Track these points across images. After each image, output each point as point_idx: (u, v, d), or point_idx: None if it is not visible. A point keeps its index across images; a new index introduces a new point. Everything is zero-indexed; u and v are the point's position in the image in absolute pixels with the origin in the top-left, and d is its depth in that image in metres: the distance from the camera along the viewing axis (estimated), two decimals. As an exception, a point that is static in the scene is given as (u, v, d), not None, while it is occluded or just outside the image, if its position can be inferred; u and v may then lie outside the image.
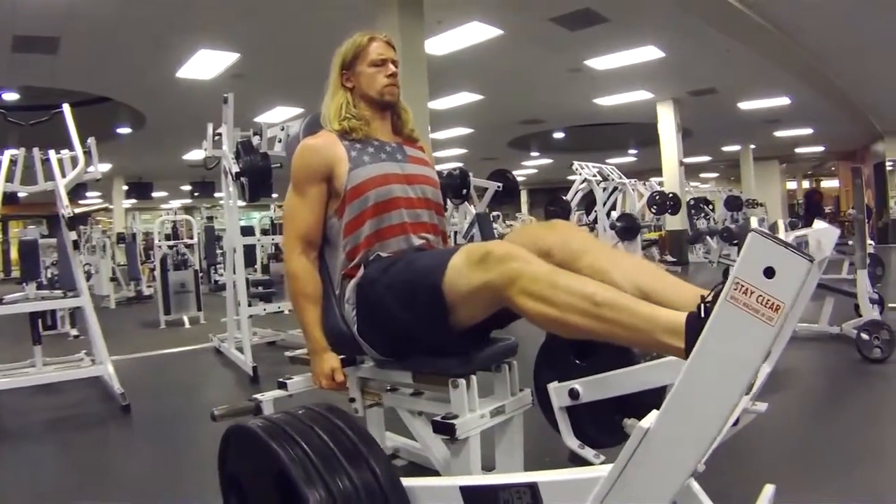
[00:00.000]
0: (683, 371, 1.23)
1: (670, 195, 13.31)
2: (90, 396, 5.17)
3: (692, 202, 15.59)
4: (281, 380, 2.79)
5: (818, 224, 1.73)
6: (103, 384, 5.21)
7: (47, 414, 4.80)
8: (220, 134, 6.23)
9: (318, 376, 2.33)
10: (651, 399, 2.55)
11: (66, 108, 5.39)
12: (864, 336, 5.01)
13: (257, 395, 2.75)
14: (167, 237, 10.91)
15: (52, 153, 5.36)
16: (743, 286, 1.12)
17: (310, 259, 2.36)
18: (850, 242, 5.97)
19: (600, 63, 11.99)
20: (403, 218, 2.35)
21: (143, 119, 13.39)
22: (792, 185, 33.70)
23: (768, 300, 1.10)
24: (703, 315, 1.42)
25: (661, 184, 15.13)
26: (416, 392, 2.36)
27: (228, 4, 7.96)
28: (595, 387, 2.45)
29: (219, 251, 13.17)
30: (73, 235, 4.88)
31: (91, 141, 5.45)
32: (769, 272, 1.11)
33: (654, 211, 13.03)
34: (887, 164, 22.65)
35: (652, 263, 2.13)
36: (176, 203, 26.24)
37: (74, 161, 5.32)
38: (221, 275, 11.53)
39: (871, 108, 17.51)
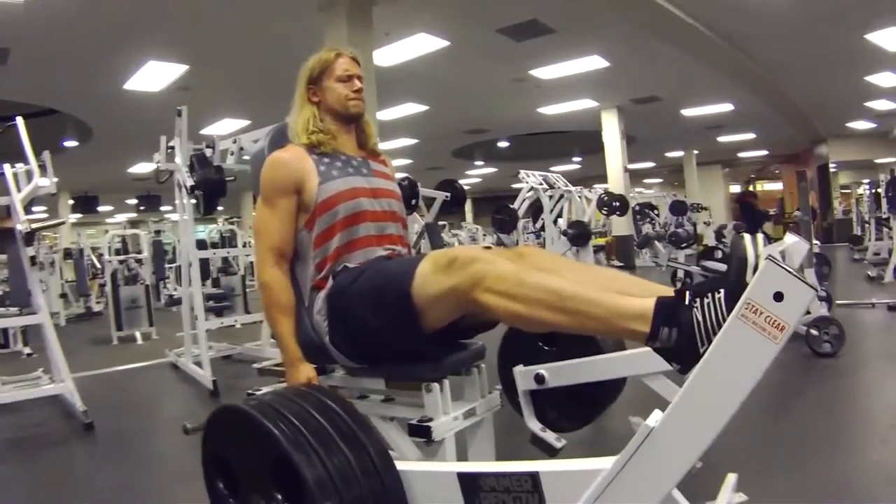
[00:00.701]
0: (692, 376, 1.33)
1: (617, 196, 13.54)
2: (51, 415, 5.14)
3: (637, 207, 15.85)
4: (250, 391, 2.81)
5: (789, 238, 1.83)
6: (63, 402, 5.18)
7: (8, 433, 4.74)
8: (172, 147, 6.21)
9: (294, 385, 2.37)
10: (611, 389, 2.72)
11: (19, 121, 5.31)
12: (814, 332, 5.27)
13: (227, 407, 2.78)
14: (117, 252, 10.76)
15: (6, 167, 5.31)
16: (754, 307, 1.23)
17: (282, 270, 2.39)
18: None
19: (545, 73, 12.15)
20: (370, 231, 2.40)
21: (91, 132, 13.23)
22: (735, 188, 34.38)
23: (775, 321, 1.22)
24: (686, 302, 1.55)
25: (606, 190, 15.35)
26: (387, 398, 2.40)
27: (178, 16, 7.92)
28: (561, 373, 2.57)
29: (167, 265, 13.10)
30: (30, 251, 4.86)
31: (46, 155, 5.38)
32: (778, 296, 1.22)
33: (604, 212, 13.22)
34: (831, 166, 23.29)
35: (620, 271, 2.22)
36: (122, 217, 25.95)
37: (29, 175, 5.23)
38: (175, 290, 11.44)
39: (814, 112, 17.96)
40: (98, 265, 14.96)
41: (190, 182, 5.74)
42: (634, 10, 8.89)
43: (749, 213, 13.99)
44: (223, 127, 12.64)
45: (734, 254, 1.54)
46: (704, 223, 17.14)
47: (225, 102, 11.75)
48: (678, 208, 15.92)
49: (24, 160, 5.28)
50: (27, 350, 8.46)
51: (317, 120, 2.53)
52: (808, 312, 5.62)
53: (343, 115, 2.57)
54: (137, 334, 9.34)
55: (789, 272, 1.24)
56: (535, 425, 2.70)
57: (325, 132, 2.51)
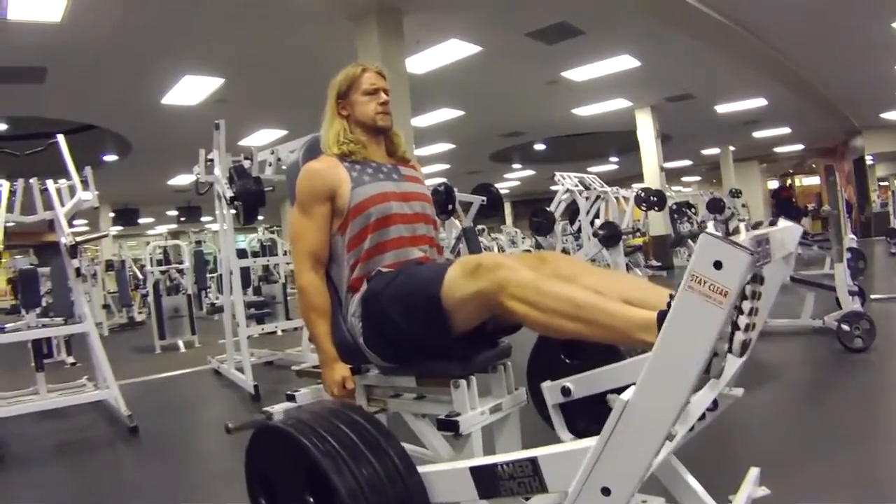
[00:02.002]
0: (654, 349, 1.44)
1: (655, 191, 13.53)
2: (95, 420, 5.30)
3: (675, 206, 15.77)
4: (289, 392, 2.93)
5: (781, 222, 1.89)
6: (107, 408, 5.34)
7: (56, 438, 4.90)
8: (211, 159, 6.35)
9: (329, 385, 2.46)
10: None
11: (60, 138, 5.48)
12: (845, 327, 5.25)
13: (268, 408, 2.88)
14: (158, 262, 10.98)
15: (50, 183, 5.46)
16: (698, 277, 1.33)
17: (319, 275, 2.51)
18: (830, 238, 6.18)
19: (577, 74, 12.19)
20: (402, 232, 2.52)
21: (129, 146, 13.49)
22: (773, 184, 34.07)
23: (718, 287, 1.32)
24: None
25: (642, 187, 15.31)
26: (419, 396, 2.50)
27: (212, 30, 8.11)
28: (585, 383, 2.58)
29: (208, 275, 13.28)
30: (75, 263, 4.99)
31: (87, 170, 5.55)
32: (717, 265, 1.32)
33: (643, 208, 13.21)
34: (867, 158, 23.03)
35: (633, 276, 2.30)
36: (162, 228, 26.31)
37: (71, 190, 5.42)
38: (217, 298, 11.61)
39: (847, 104, 17.80)
40: (139, 276, 15.27)
41: (230, 193, 5.87)
42: (661, 7, 8.94)
43: (785, 209, 13.96)
44: (260, 138, 12.87)
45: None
46: (740, 220, 16.99)
47: (261, 114, 11.95)
48: (715, 206, 15.83)
49: (67, 175, 5.45)
50: (70, 360, 8.64)
51: (347, 132, 2.66)
52: (841, 308, 5.63)
53: (371, 127, 2.69)
54: (180, 343, 9.54)
55: (724, 241, 1.34)
56: (566, 436, 2.77)
57: (355, 142, 2.63)
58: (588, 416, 2.72)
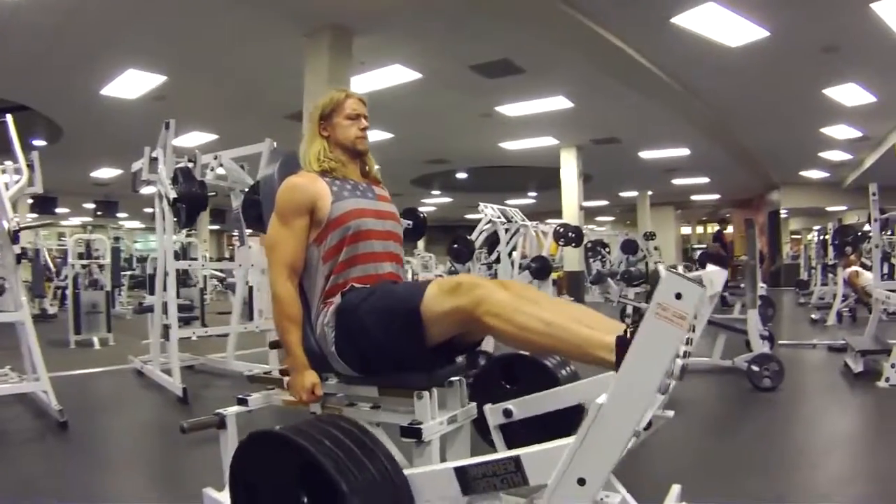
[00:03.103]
0: (626, 361, 1.72)
1: (573, 227, 13.84)
2: (20, 413, 5.23)
3: (589, 244, 16.14)
4: (241, 396, 3.01)
5: (710, 267, 2.19)
6: (33, 400, 5.30)
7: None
8: (155, 158, 6.34)
9: (298, 390, 2.57)
10: (570, 417, 3.04)
11: (9, 118, 5.40)
12: (755, 368, 5.73)
13: (220, 410, 2.96)
14: (79, 256, 10.75)
15: None
16: (663, 305, 1.64)
17: (294, 284, 2.63)
18: (742, 285, 6.57)
19: (511, 110, 12.47)
20: (374, 248, 2.69)
21: (61, 132, 13.10)
22: (686, 230, 35.22)
23: (679, 313, 1.62)
24: (629, 337, 1.85)
25: (561, 223, 15.64)
26: (374, 405, 2.65)
27: (165, 28, 8.05)
28: (525, 406, 2.94)
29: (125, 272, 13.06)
30: (16, 249, 4.93)
31: (34, 154, 5.46)
32: (678, 296, 1.63)
33: (560, 243, 13.51)
34: (782, 212, 24.09)
35: (584, 307, 2.53)
36: (77, 220, 25.66)
37: (17, 172, 5.34)
38: (142, 298, 11.42)
39: (770, 160, 18.61)
40: (52, 267, 14.89)
41: (173, 194, 5.88)
42: (602, 55, 9.22)
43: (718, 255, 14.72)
44: (191, 139, 12.66)
45: (652, 283, 1.92)
46: (655, 262, 17.51)
47: (197, 116, 11.71)
48: (629, 247, 16.29)
49: (12, 157, 5.37)
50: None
51: (327, 151, 2.83)
52: (750, 350, 6.03)
53: (350, 150, 2.87)
54: (95, 339, 9.44)
55: (684, 278, 1.66)
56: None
57: (335, 161, 2.81)
58: (528, 438, 2.94)
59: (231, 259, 19.83)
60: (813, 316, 11.42)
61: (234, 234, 30.83)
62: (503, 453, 1.96)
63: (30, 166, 5.40)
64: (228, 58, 9.14)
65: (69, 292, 9.95)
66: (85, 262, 10.44)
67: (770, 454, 4.09)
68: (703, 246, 31.19)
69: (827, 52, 9.29)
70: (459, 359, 2.73)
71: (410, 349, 2.37)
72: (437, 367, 2.55)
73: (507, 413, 2.97)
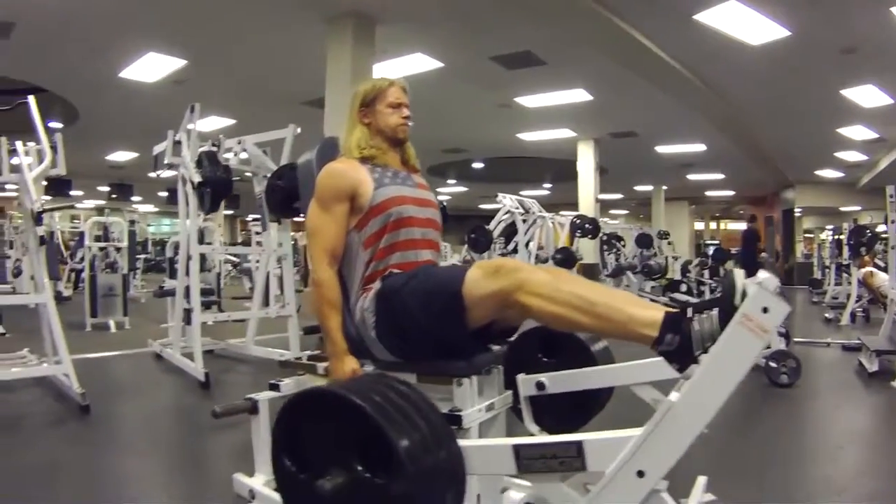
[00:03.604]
0: (705, 362, 1.75)
1: (589, 219, 13.82)
2: (41, 396, 5.21)
3: (605, 237, 16.09)
4: (273, 381, 3.01)
5: (762, 274, 2.14)
6: (52, 383, 5.27)
7: (1, 411, 4.80)
8: (178, 141, 6.32)
9: (338, 376, 2.53)
10: (599, 398, 3.04)
11: (31, 99, 5.32)
12: (773, 364, 5.71)
13: (252, 395, 2.96)
14: (97, 238, 10.77)
15: (19, 144, 5.28)
16: (748, 316, 1.68)
17: (334, 270, 2.62)
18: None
19: (530, 101, 12.49)
20: (414, 235, 2.67)
21: (77, 115, 13.12)
22: (699, 225, 35.15)
23: (762, 326, 1.67)
24: (689, 315, 1.93)
25: (577, 214, 15.60)
26: None
27: (187, 11, 8.05)
28: (560, 381, 2.91)
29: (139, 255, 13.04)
30: (39, 230, 4.87)
31: (58, 136, 5.36)
32: (765, 310, 1.67)
33: (577, 234, 13.49)
34: (796, 211, 23.98)
35: (623, 291, 2.52)
36: (90, 203, 25.74)
37: (40, 154, 5.26)
38: (158, 281, 11.42)
39: (785, 159, 18.62)
40: (63, 251, 14.91)
41: (197, 178, 5.86)
42: (623, 50, 9.24)
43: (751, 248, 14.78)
44: (208, 124, 12.50)
45: (727, 283, 1.92)
46: (672, 257, 17.49)
47: (215, 101, 11.61)
48: (644, 241, 16.24)
49: (35, 138, 5.30)
50: (0, 329, 8.44)
51: (368, 138, 2.79)
52: (769, 347, 5.99)
53: (391, 138, 2.83)
54: (111, 322, 9.41)
55: (774, 295, 1.71)
56: (534, 428, 2.99)
57: (376, 148, 2.78)
58: (555, 413, 2.93)
59: (244, 244, 19.87)
60: (827, 315, 11.38)
61: (248, 219, 31.06)
62: (565, 436, 1.93)
63: (53, 148, 5.28)
64: (249, 43, 9.16)
65: (86, 275, 9.95)
66: (102, 244, 10.46)
67: (790, 448, 4.16)
68: (717, 242, 31.26)
69: (846, 53, 9.31)
70: (496, 347, 2.71)
71: (451, 332, 2.36)
72: (476, 354, 2.54)
73: (540, 385, 2.92)
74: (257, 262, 12.97)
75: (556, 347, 3.10)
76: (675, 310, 2.02)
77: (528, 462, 1.94)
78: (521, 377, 2.90)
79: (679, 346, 1.92)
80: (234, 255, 16.40)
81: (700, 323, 1.91)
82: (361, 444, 1.85)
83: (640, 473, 1.76)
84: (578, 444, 1.86)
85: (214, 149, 6.32)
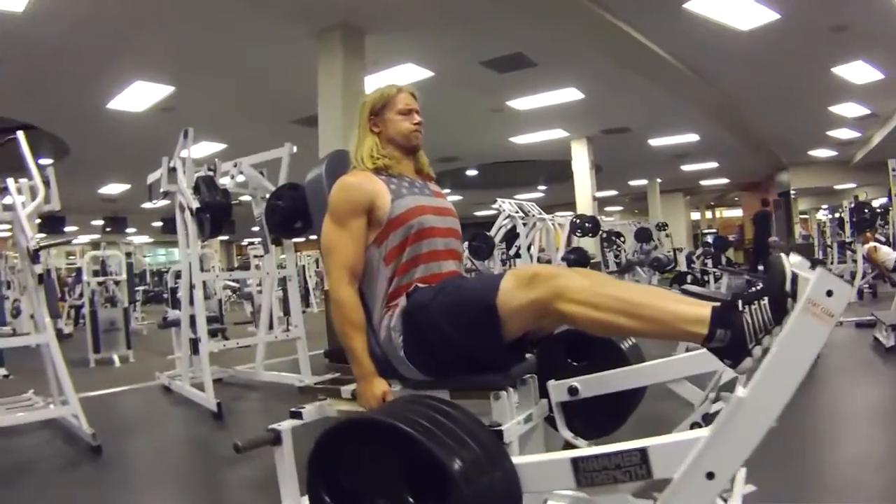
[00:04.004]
0: (771, 354, 1.66)
1: (589, 217, 13.77)
2: (50, 438, 5.06)
3: (605, 234, 16.04)
4: (294, 409, 2.87)
5: (794, 257, 2.04)
6: (61, 425, 5.11)
7: (9, 458, 4.64)
8: (174, 168, 6.20)
9: (368, 399, 2.40)
10: (632, 398, 2.93)
11: (20, 134, 5.22)
12: None
13: (274, 426, 2.82)
14: (95, 273, 10.64)
15: (10, 182, 5.16)
16: (814, 301, 1.61)
17: (355, 289, 2.48)
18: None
19: (522, 104, 12.38)
20: (437, 246, 2.54)
21: (67, 150, 12.99)
22: (695, 215, 35.18)
23: (828, 310, 1.61)
24: (739, 308, 1.84)
25: (576, 214, 15.56)
26: None
27: (171, 38, 7.92)
28: (593, 384, 2.80)
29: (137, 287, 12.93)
30: (37, 269, 4.77)
31: (50, 170, 5.28)
32: (829, 293, 1.60)
33: (578, 234, 13.42)
34: (792, 192, 23.99)
35: (659, 288, 2.40)
36: (85, 238, 25.62)
37: (32, 191, 5.15)
38: (162, 312, 11.26)
39: (779, 142, 18.57)
40: (62, 287, 14.80)
41: (195, 204, 5.74)
42: (615, 45, 9.16)
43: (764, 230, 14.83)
44: (199, 150, 12.33)
45: (775, 269, 1.85)
46: (676, 249, 17.49)
47: (206, 126, 11.38)
48: (643, 235, 16.21)
49: (27, 174, 5.19)
50: (2, 371, 8.32)
51: (379, 148, 2.67)
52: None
53: (404, 146, 2.72)
54: (115, 357, 9.29)
55: (836, 276, 1.65)
56: (567, 434, 2.89)
57: (389, 157, 2.65)
58: (588, 417, 2.83)
59: (242, 268, 19.77)
60: (834, 293, 11.28)
61: (244, 243, 31.03)
62: (627, 444, 1.81)
63: (45, 183, 5.17)
64: (236, 64, 9.02)
65: (86, 311, 9.81)
66: (101, 279, 10.33)
67: (820, 429, 4.21)
68: (714, 230, 31.27)
69: (836, 31, 9.23)
70: (529, 355, 2.61)
71: (487, 347, 2.24)
72: (512, 365, 2.43)
73: (573, 390, 2.81)
74: (258, 285, 13.04)
75: (585, 350, 2.98)
76: (721, 303, 1.92)
77: (589, 475, 1.83)
78: (552, 383, 2.78)
79: (731, 341, 1.83)
80: (234, 280, 16.31)
81: (751, 315, 1.81)
82: (407, 472, 1.75)
83: (710, 475, 1.67)
84: (643, 451, 1.76)
85: (211, 173, 6.21)
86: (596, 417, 2.83)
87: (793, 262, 1.87)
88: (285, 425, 2.83)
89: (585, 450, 1.91)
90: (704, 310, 1.90)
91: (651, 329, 2.01)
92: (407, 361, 2.39)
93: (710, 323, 1.86)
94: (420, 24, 8.17)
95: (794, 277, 1.78)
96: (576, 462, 1.84)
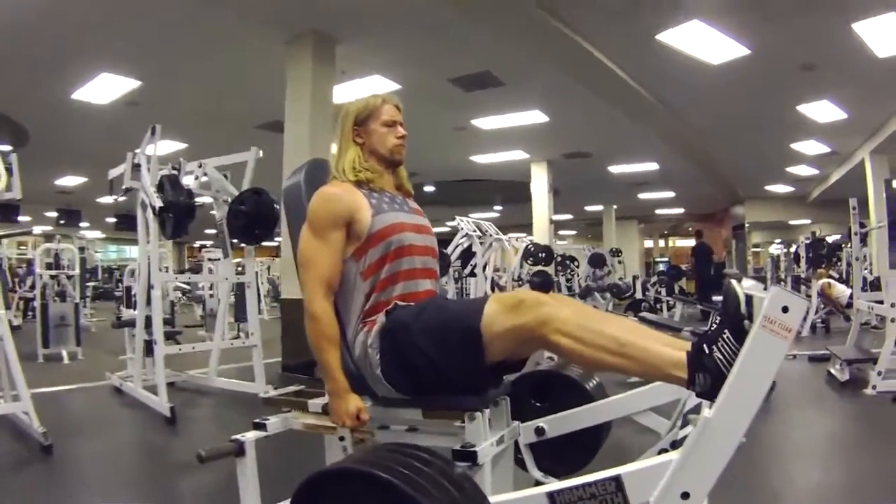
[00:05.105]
0: (733, 373, 1.73)
1: (543, 247, 13.78)
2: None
3: (559, 258, 16.12)
4: (258, 420, 2.84)
5: (747, 282, 2.13)
6: (8, 420, 4.99)
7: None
8: (138, 164, 6.12)
9: (341, 416, 2.39)
10: (599, 433, 3.07)
11: None
12: None
13: (237, 436, 2.80)
14: (48, 266, 10.43)
15: None
16: (770, 319, 1.66)
17: (330, 302, 2.46)
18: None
19: (486, 123, 12.41)
20: (415, 264, 2.54)
21: (28, 137, 12.67)
22: (649, 243, 35.62)
23: (785, 326, 1.66)
24: (707, 352, 1.88)
25: (532, 241, 15.61)
26: (410, 428, 2.53)
27: (141, 32, 7.81)
28: (559, 423, 2.92)
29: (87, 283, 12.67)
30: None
31: (13, 157, 5.14)
32: (785, 309, 1.66)
33: (529, 262, 13.44)
34: (746, 226, 24.41)
35: (636, 323, 2.45)
36: (37, 229, 25.11)
37: None
38: (111, 310, 11.11)
39: (737, 175, 18.85)
40: (12, 278, 14.50)
41: (159, 203, 5.66)
42: (584, 70, 9.23)
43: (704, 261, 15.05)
44: (160, 147, 12.16)
45: (728, 295, 1.91)
46: (634, 277, 17.69)
47: (169, 123, 11.24)
48: (597, 260, 16.34)
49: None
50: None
51: (361, 160, 2.67)
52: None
53: (387, 159, 2.73)
54: (64, 353, 9.14)
55: (792, 293, 1.71)
56: (537, 474, 2.95)
57: (371, 171, 2.65)
58: (558, 455, 2.88)
59: (193, 271, 19.51)
60: (787, 327, 11.48)
61: (196, 245, 30.63)
62: (601, 473, 1.86)
63: (8, 170, 5.04)
64: (205, 64, 8.94)
65: (37, 304, 9.62)
66: (53, 272, 10.13)
67: (780, 458, 4.32)
68: (667, 259, 31.69)
69: (805, 69, 9.41)
70: (506, 377, 2.63)
71: (468, 369, 2.25)
72: (489, 388, 2.45)
73: (539, 431, 2.93)
74: (210, 289, 12.90)
75: (548, 390, 3.12)
76: (690, 348, 1.97)
77: None
78: (518, 425, 2.81)
79: (712, 384, 1.86)
80: (186, 283, 16.11)
81: (720, 351, 1.85)
82: None
83: (685, 495, 1.73)
84: (617, 479, 1.82)
85: (175, 172, 6.13)
86: (565, 455, 2.89)
87: (746, 286, 1.94)
88: (249, 436, 2.81)
89: (560, 482, 1.94)
90: (681, 354, 1.95)
91: (635, 369, 2.05)
92: (383, 380, 2.39)
93: (688, 369, 1.91)
94: (391, 36, 8.18)
95: (749, 299, 1.84)
96: (552, 496, 1.88)
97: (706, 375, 1.85)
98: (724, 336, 1.85)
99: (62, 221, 20.92)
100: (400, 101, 2.83)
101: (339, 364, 2.42)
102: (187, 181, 6.37)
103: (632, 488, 1.80)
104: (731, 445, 1.71)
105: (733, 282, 1.96)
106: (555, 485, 1.93)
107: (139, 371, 6.18)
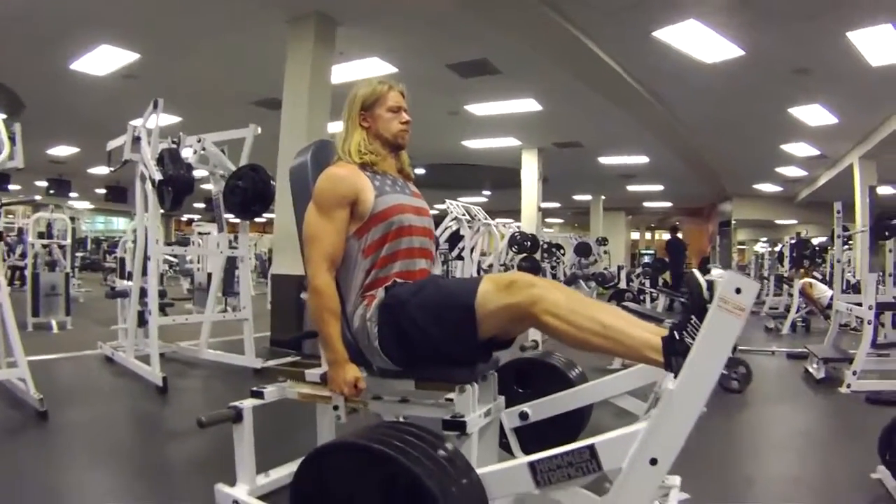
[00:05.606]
0: (694, 347, 1.91)
1: (529, 236, 13.88)
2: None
3: (545, 246, 16.22)
4: (255, 389, 2.98)
5: (716, 270, 2.29)
6: (4, 387, 5.05)
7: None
8: (139, 137, 6.18)
9: (339, 385, 2.52)
10: (581, 416, 3.26)
11: None
12: (723, 371, 5.75)
13: (235, 403, 2.92)
14: (40, 235, 10.47)
15: None
16: (724, 299, 1.84)
17: (332, 277, 2.60)
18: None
19: (480, 109, 12.47)
20: (413, 244, 2.69)
21: (22, 106, 12.53)
22: (635, 235, 35.84)
23: (739, 305, 1.83)
24: (678, 338, 2.06)
25: (519, 229, 15.69)
26: (402, 399, 2.68)
27: (144, 4, 7.83)
28: (542, 408, 3.13)
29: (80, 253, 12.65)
30: (-3, 227, 4.72)
31: (17, 127, 5.16)
32: (738, 290, 1.83)
33: (514, 250, 13.55)
34: (733, 223, 24.61)
35: (618, 308, 2.58)
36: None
37: None
38: (113, 281, 11.09)
39: (726, 172, 18.99)
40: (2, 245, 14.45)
41: (158, 176, 5.72)
42: (580, 62, 9.29)
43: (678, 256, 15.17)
44: (153, 121, 12.16)
45: (692, 285, 2.15)
46: (619, 267, 17.79)
47: (166, 97, 11.27)
48: (583, 250, 16.46)
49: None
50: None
51: (367, 143, 2.78)
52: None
53: (391, 144, 2.85)
54: (53, 323, 9.19)
55: (744, 275, 1.91)
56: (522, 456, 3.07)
57: (375, 154, 2.77)
58: (541, 439, 3.02)
59: (179, 244, 19.51)
60: (767, 325, 11.64)
61: (184, 218, 30.58)
62: (577, 443, 2.03)
63: (11, 139, 4.98)
64: (206, 40, 8.96)
65: (28, 273, 9.68)
66: (45, 241, 10.17)
67: (741, 451, 4.43)
68: (652, 251, 31.87)
69: (798, 73, 9.56)
70: (495, 353, 2.75)
71: (461, 344, 2.39)
72: (480, 362, 2.58)
73: (524, 416, 3.15)
74: (199, 262, 12.94)
75: (531, 377, 3.34)
76: (666, 334, 2.15)
77: (546, 475, 2.02)
78: (504, 411, 2.98)
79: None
80: (173, 255, 16.13)
81: (690, 336, 2.02)
82: (385, 492, 1.92)
83: (654, 461, 1.90)
84: (591, 447, 1.99)
85: (175, 146, 6.19)
86: (548, 438, 3.01)
87: (714, 274, 2.11)
88: (247, 404, 2.95)
89: (541, 453, 2.07)
90: (657, 339, 2.13)
91: (618, 350, 2.24)
92: (380, 351, 2.51)
93: (663, 353, 2.09)
94: (393, 20, 8.22)
95: (710, 284, 2.03)
96: (533, 465, 2.04)
97: (680, 359, 1.99)
98: (692, 321, 2.02)
99: (52, 191, 20.81)
100: (406, 89, 2.92)
101: (339, 336, 2.56)
102: (186, 154, 6.43)
103: (605, 456, 1.97)
104: (694, 414, 1.88)
105: (695, 271, 2.20)
106: (535, 455, 2.07)
107: (132, 341, 6.26)
